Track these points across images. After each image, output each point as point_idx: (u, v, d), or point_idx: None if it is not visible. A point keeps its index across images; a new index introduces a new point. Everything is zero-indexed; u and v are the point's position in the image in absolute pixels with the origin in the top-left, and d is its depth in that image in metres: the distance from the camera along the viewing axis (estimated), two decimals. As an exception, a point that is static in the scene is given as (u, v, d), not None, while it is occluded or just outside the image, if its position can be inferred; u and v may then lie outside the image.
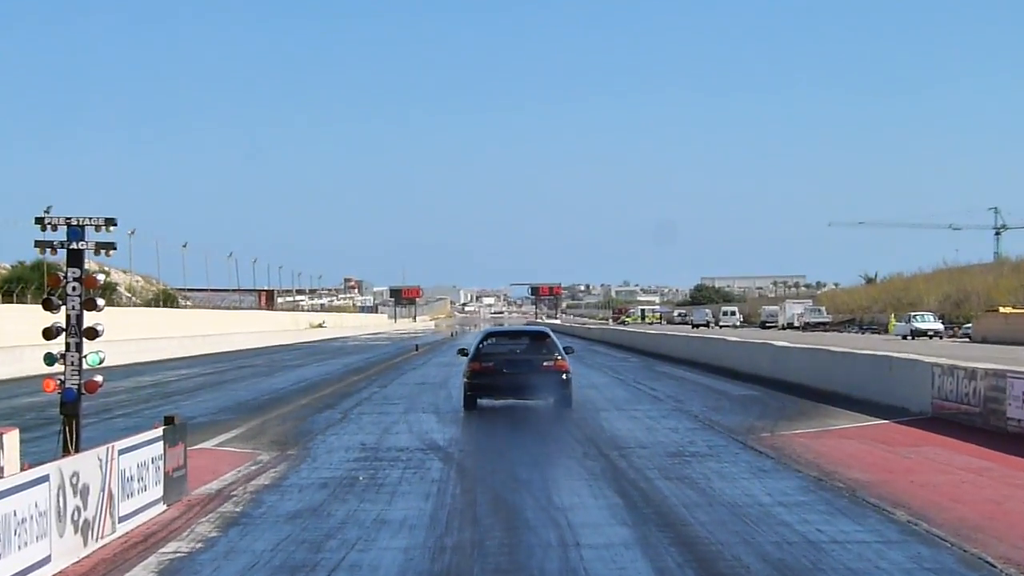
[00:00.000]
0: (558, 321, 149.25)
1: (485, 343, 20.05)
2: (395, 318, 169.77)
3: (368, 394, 24.91)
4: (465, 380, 19.74)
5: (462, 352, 20.81)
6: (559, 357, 19.28)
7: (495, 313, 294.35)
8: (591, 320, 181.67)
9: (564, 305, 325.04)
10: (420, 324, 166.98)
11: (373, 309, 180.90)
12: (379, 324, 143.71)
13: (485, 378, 19.29)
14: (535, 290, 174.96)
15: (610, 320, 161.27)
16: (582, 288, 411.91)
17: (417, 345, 57.06)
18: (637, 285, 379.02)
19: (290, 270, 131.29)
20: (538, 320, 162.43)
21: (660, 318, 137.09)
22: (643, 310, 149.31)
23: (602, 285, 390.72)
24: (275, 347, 65.45)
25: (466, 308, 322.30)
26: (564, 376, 19.12)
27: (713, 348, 34.91)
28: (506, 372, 19.13)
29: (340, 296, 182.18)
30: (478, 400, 19.53)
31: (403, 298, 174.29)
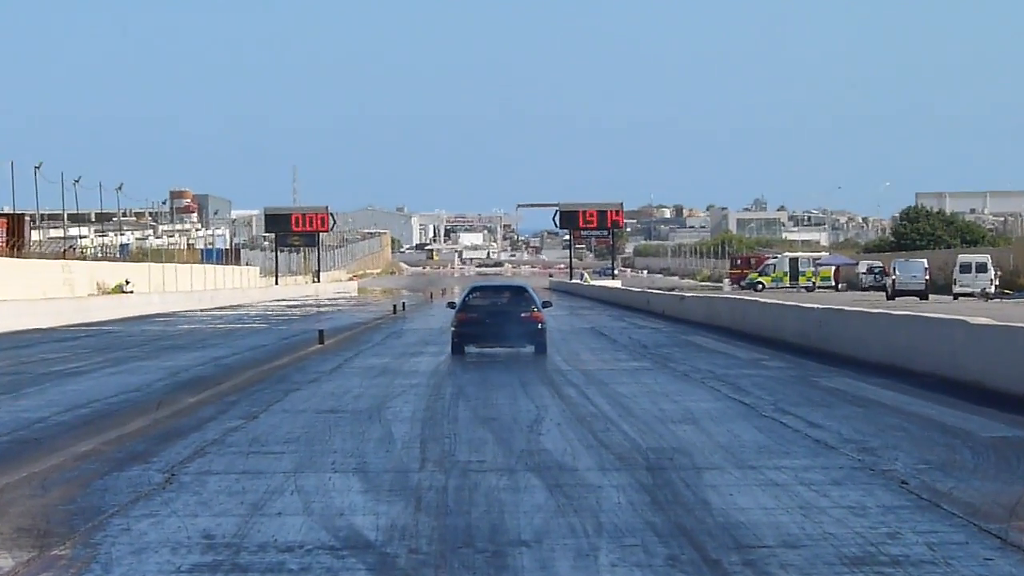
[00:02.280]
0: (615, 283, 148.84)
1: (471, 296, 45.25)
2: (275, 274, 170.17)
3: (219, 432, 25.14)
4: (453, 329, 44.65)
5: (451, 304, 47.41)
6: (536, 309, 43.65)
7: (484, 265, 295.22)
8: (685, 282, 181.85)
9: (631, 250, 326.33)
10: (330, 285, 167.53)
11: (231, 255, 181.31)
12: (243, 286, 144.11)
13: (471, 327, 43.68)
14: (568, 218, 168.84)
15: (726, 280, 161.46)
16: (668, 213, 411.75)
17: (322, 332, 57.23)
18: (783, 208, 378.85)
19: (57, 173, 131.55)
20: (575, 281, 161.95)
21: (834, 275, 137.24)
22: (793, 261, 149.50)
23: (708, 208, 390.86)
24: (26, 332, 65.63)
25: (428, 253, 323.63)
26: (540, 326, 43.54)
27: (937, 339, 34.97)
28: (488, 322, 43.41)
29: (162, 227, 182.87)
30: (465, 348, 44.38)
31: (293, 233, 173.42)
